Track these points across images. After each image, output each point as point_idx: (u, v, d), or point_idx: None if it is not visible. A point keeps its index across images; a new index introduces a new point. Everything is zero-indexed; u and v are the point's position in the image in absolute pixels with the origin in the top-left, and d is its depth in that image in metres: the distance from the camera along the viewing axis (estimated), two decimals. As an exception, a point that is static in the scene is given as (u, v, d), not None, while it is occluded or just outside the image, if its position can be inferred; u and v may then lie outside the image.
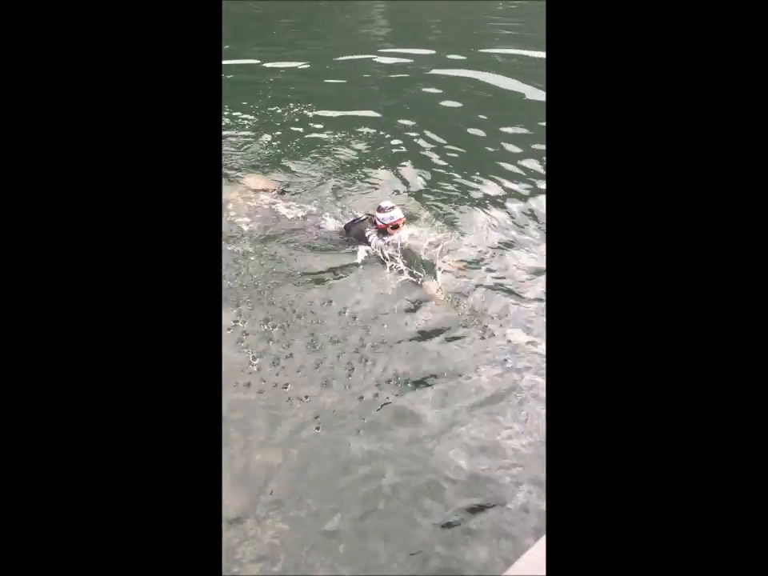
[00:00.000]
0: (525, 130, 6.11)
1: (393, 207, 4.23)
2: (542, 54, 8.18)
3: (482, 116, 6.44)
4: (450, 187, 5.16)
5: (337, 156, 5.69)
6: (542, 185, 5.09)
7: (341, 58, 8.55)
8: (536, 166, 5.40)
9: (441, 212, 4.69)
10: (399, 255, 4.06)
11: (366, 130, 6.24)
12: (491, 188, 5.12)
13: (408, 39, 9.29)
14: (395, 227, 4.20)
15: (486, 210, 4.73)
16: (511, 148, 5.77)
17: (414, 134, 6.12)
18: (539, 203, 4.81)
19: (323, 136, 6.15)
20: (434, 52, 8.56)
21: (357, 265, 4.05)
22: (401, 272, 3.96)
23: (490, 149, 5.82)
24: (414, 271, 3.93)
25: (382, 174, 5.39)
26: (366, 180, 5.30)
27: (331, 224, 4.47)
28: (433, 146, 5.87)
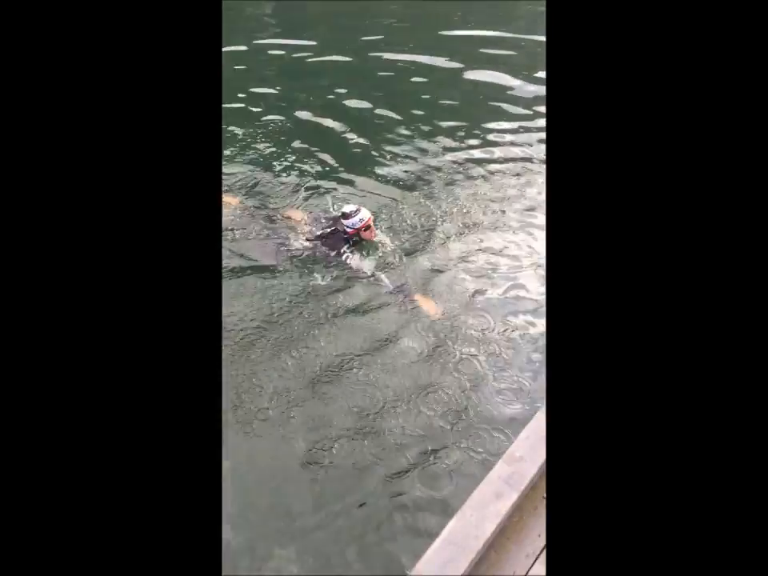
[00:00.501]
0: (443, 102, 6.37)
1: (358, 209, 4.05)
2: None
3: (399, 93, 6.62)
4: (396, 172, 5.25)
5: (266, 150, 5.54)
6: (479, 154, 5.38)
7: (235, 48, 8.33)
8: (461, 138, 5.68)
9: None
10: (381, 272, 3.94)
11: (284, 121, 6.16)
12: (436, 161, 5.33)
13: (298, 30, 9.16)
14: (367, 228, 4.04)
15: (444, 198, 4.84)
16: (437, 121, 6.03)
17: (340, 119, 6.10)
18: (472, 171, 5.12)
19: (241, 129, 6.01)
20: (327, 39, 8.51)
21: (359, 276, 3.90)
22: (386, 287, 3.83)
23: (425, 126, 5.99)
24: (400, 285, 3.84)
25: (324, 167, 5.31)
26: (313, 175, 5.18)
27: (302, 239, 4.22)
28: (360, 130, 5.90)
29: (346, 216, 4.04)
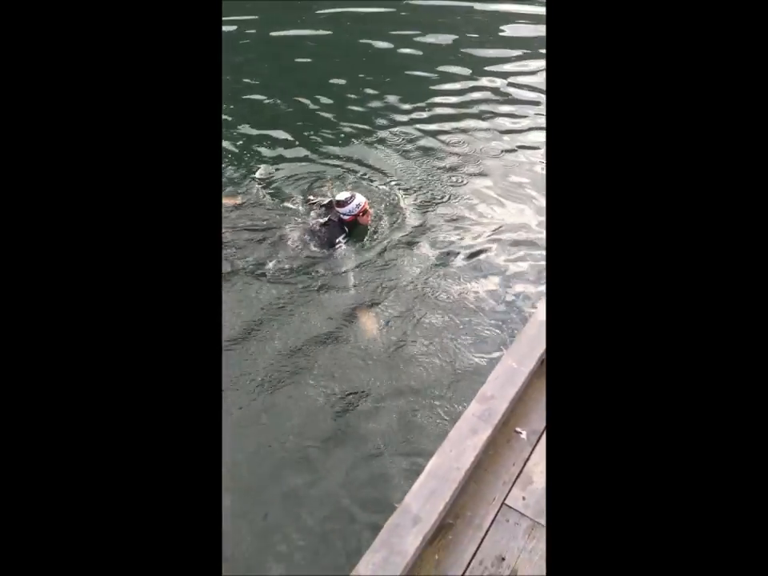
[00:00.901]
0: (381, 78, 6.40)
1: (352, 195, 3.99)
2: (364, 9, 8.28)
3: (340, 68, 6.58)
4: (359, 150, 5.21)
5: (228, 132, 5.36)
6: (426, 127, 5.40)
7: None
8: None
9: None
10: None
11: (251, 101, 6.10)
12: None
13: (236, 6, 8.93)
14: (364, 213, 4.02)
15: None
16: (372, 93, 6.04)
17: (301, 100, 6.06)
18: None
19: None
20: (256, 17, 8.32)
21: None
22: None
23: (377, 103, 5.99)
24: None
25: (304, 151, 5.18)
26: (272, 151, 5.11)
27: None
28: (317, 107, 5.85)
29: (341, 204, 3.96)
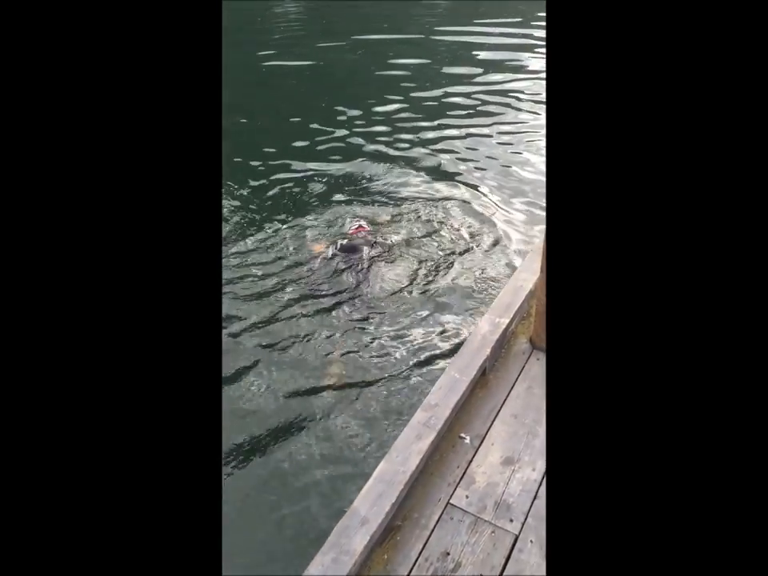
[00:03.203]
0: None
1: (351, 220, 4.75)
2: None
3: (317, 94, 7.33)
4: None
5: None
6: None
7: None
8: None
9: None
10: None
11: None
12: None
13: None
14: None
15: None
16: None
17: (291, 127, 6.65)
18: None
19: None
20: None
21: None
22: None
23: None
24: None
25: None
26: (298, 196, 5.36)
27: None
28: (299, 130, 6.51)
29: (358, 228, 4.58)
